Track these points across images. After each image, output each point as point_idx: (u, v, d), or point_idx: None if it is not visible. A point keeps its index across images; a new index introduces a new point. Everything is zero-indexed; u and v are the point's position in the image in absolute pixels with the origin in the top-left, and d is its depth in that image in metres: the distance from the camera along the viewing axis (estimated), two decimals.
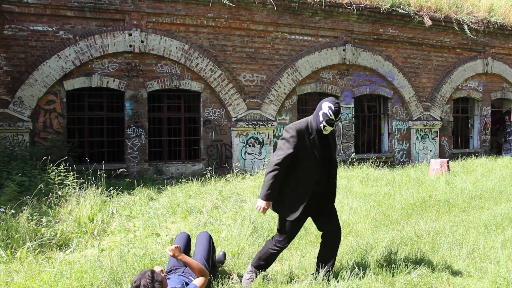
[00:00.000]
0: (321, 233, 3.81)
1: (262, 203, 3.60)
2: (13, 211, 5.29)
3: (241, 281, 3.79)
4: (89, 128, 10.27)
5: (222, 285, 3.70)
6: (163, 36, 10.13)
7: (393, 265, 3.98)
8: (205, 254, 3.74)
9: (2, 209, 5.32)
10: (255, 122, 11.05)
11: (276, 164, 3.51)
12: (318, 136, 3.60)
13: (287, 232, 3.67)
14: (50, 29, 9.28)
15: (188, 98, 11.06)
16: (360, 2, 11.92)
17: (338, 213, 6.09)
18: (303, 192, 3.61)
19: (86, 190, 6.51)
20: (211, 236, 4.00)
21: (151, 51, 10.04)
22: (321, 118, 3.52)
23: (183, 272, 3.53)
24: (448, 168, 10.21)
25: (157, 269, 3.30)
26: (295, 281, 3.74)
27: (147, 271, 3.04)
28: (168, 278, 3.34)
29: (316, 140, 3.60)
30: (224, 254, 4.22)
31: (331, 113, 3.47)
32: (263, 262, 3.78)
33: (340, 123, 12.25)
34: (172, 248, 3.39)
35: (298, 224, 3.71)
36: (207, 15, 10.41)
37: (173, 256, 3.38)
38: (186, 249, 3.92)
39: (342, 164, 11.11)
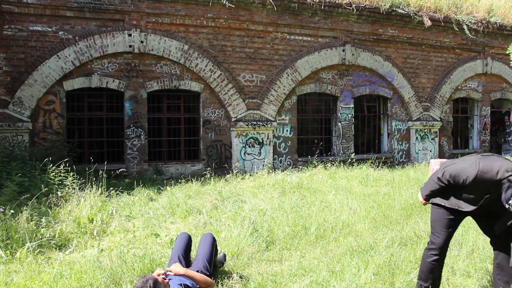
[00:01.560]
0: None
1: (422, 199, 3.48)
2: (12, 212, 5.29)
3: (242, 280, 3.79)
4: (89, 128, 10.27)
5: (222, 285, 3.70)
6: (163, 36, 10.13)
7: (393, 265, 3.98)
8: (208, 256, 3.73)
9: (2, 210, 5.31)
10: (254, 123, 11.05)
11: (441, 179, 3.23)
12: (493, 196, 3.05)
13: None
14: (50, 30, 9.27)
15: (187, 99, 11.06)
16: (360, 2, 11.92)
17: (337, 214, 6.13)
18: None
19: (86, 191, 6.51)
20: (214, 238, 3.99)
21: (150, 51, 10.04)
22: None
23: None
24: None
25: (159, 271, 3.29)
26: (295, 281, 3.74)
27: (149, 280, 2.96)
28: (170, 279, 3.34)
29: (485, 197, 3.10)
30: (225, 256, 4.23)
31: None
32: None
33: (340, 123, 12.27)
34: (170, 268, 3.36)
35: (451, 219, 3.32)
36: (207, 15, 10.41)
37: (176, 275, 3.34)
38: (187, 250, 3.91)
39: (342, 164, 11.11)
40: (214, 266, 3.89)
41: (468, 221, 5.95)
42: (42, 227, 5.15)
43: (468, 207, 3.21)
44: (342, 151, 12.30)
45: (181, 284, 3.26)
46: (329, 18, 11.78)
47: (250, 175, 10.02)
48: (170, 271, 3.35)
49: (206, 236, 3.99)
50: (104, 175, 7.48)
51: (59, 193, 6.36)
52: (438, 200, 3.37)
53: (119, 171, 9.27)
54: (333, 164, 10.98)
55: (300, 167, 11.32)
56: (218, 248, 4.37)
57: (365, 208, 6.49)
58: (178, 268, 3.37)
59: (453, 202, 3.28)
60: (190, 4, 10.21)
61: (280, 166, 11.35)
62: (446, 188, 3.27)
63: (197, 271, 3.56)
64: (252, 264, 4.30)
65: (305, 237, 5.16)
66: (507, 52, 13.71)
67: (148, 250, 4.44)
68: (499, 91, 15.02)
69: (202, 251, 3.79)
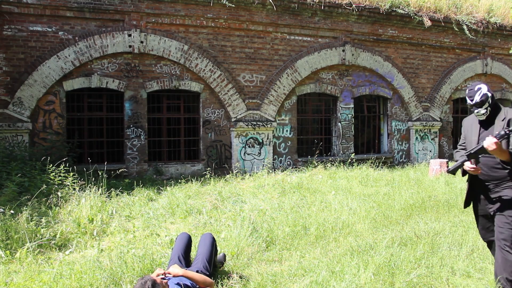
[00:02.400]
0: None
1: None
2: (12, 212, 5.29)
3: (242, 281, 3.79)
4: (89, 128, 10.27)
5: (222, 285, 3.71)
6: (163, 36, 10.13)
7: (393, 265, 3.98)
8: (208, 256, 3.73)
9: (2, 210, 5.31)
10: (254, 123, 11.05)
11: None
12: (477, 121, 3.59)
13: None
14: (50, 30, 9.27)
15: (187, 99, 11.06)
16: (360, 2, 11.93)
17: (337, 214, 6.14)
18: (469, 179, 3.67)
19: (86, 191, 6.51)
20: (214, 238, 4.00)
21: (150, 51, 10.04)
22: None
23: None
24: None
25: (158, 271, 3.29)
26: (295, 281, 3.74)
27: (148, 282, 2.98)
28: (169, 279, 3.34)
29: (472, 125, 3.62)
30: (224, 256, 4.23)
31: (468, 100, 3.48)
32: None
33: (339, 123, 12.27)
34: (169, 271, 3.35)
35: (476, 217, 3.73)
36: (207, 15, 10.41)
37: (175, 276, 3.34)
38: (187, 250, 3.91)
39: (342, 164, 11.12)
40: (214, 266, 3.89)
41: (468, 221, 5.96)
42: (42, 227, 5.15)
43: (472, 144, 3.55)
44: (342, 151, 12.30)
45: (179, 284, 3.26)
46: (329, 18, 11.78)
47: (250, 175, 10.02)
48: (169, 273, 3.35)
49: (205, 236, 3.99)
50: (104, 175, 7.48)
51: (59, 193, 6.36)
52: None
53: (119, 171, 9.27)
54: (333, 164, 10.98)
55: (300, 167, 11.32)
56: (218, 248, 4.37)
57: (365, 208, 6.49)
58: (176, 269, 3.37)
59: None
60: (190, 4, 10.22)
61: (280, 166, 11.35)
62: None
63: (197, 271, 3.56)
64: (252, 264, 4.30)
65: (305, 237, 5.16)
66: (511, 52, 13.73)
67: (148, 250, 4.44)
68: (499, 91, 15.01)
69: (202, 251, 3.79)
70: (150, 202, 7.22)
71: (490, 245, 3.71)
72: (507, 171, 3.37)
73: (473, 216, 3.79)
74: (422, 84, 13.46)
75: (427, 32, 13.18)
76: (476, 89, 3.41)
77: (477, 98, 3.40)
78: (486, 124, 3.51)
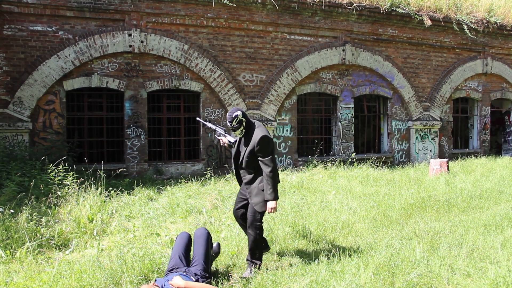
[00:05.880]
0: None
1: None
2: (12, 211, 5.29)
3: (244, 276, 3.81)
4: (89, 128, 10.26)
5: (222, 285, 3.71)
6: (163, 36, 10.12)
7: (393, 265, 3.98)
8: (204, 257, 3.74)
9: (1, 209, 5.31)
10: None
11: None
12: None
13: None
14: (50, 29, 9.27)
15: (187, 98, 11.06)
16: (360, 2, 11.92)
17: (337, 214, 6.15)
18: None
19: (86, 190, 6.51)
20: (209, 232, 3.98)
21: (150, 51, 10.03)
22: None
23: (184, 272, 3.53)
24: (448, 168, 10.21)
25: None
26: (295, 281, 3.74)
27: None
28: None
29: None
30: (219, 245, 4.21)
31: (228, 123, 4.21)
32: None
33: (340, 123, 12.27)
34: (172, 282, 3.34)
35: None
36: (207, 15, 10.40)
37: None
38: (187, 249, 3.91)
39: (342, 164, 11.11)
40: (212, 260, 3.90)
41: (468, 220, 5.96)
42: (42, 227, 5.15)
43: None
44: (342, 151, 12.30)
45: None
46: (329, 18, 11.77)
47: None
48: (172, 285, 3.35)
49: (200, 233, 3.95)
50: (104, 175, 7.48)
51: (58, 193, 6.36)
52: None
53: (119, 171, 9.26)
54: (333, 164, 10.98)
55: (300, 167, 11.31)
56: (214, 242, 4.35)
57: (365, 208, 6.49)
58: (178, 281, 3.36)
59: None
60: (190, 4, 10.21)
61: (280, 166, 11.34)
62: None
63: (196, 274, 3.56)
64: None
65: (305, 237, 5.15)
66: None
67: (148, 250, 4.44)
68: (499, 91, 15.02)
69: (199, 252, 3.78)
70: (150, 201, 7.22)
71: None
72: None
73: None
74: (422, 83, 13.45)
75: (427, 32, 13.18)
76: (233, 116, 4.06)
77: (234, 124, 4.10)
78: (244, 137, 4.24)
